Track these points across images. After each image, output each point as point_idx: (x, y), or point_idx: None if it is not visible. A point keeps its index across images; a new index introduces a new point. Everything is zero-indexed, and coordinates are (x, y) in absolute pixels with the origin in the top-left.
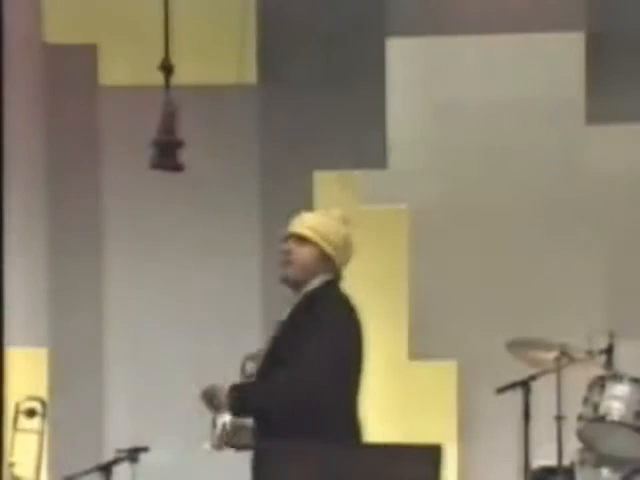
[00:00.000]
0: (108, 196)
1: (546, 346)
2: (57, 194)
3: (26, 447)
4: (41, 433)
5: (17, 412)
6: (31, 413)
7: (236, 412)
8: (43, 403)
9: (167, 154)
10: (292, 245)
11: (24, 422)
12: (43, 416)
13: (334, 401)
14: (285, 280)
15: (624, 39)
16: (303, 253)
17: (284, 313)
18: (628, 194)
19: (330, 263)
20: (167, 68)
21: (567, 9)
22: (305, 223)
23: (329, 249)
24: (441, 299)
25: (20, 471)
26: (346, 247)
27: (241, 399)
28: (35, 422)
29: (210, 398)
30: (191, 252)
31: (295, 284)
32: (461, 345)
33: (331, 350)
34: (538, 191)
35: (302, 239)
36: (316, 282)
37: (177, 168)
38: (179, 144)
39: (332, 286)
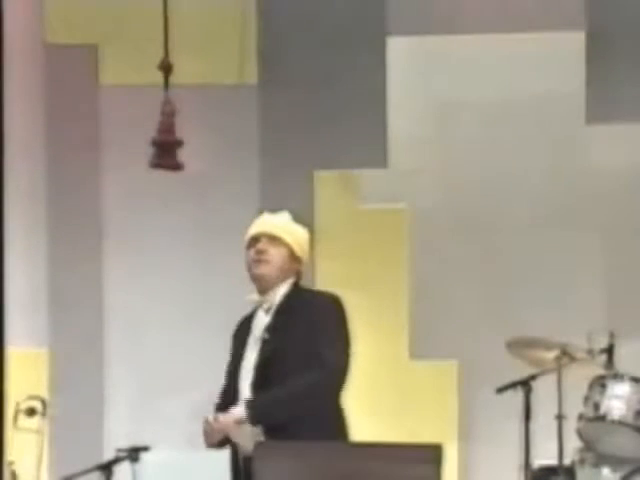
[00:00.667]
0: (108, 195)
1: (546, 345)
2: (57, 194)
3: (26, 446)
4: (41, 432)
5: (17, 411)
6: (31, 412)
7: (259, 423)
8: (43, 402)
9: (167, 153)
10: (266, 245)
11: (24, 421)
12: (43, 415)
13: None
14: (261, 279)
15: (624, 39)
16: (277, 253)
17: (260, 320)
18: (628, 194)
19: (295, 265)
20: (166, 68)
21: (567, 9)
22: (275, 224)
23: (299, 251)
24: (441, 298)
25: (19, 470)
26: (308, 249)
27: (265, 413)
28: (35, 421)
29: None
30: (191, 251)
31: (268, 284)
32: (461, 344)
33: (341, 350)
34: (538, 190)
35: (274, 239)
36: (285, 286)
37: (177, 167)
38: (179, 143)
39: (303, 288)
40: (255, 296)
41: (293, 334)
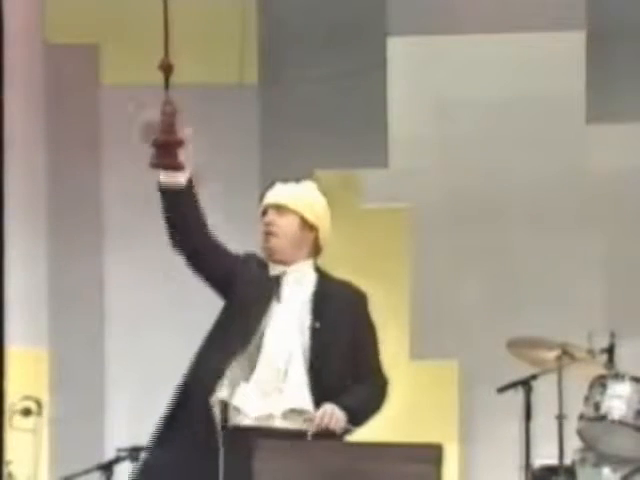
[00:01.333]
0: (108, 196)
1: (547, 345)
2: (57, 194)
3: (22, 446)
4: (37, 432)
5: (12, 412)
6: (27, 412)
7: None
8: (38, 403)
9: (167, 153)
10: (273, 216)
11: (19, 421)
12: (39, 415)
13: None
14: (269, 252)
15: (624, 39)
16: (286, 224)
17: (291, 294)
18: (628, 193)
19: (311, 234)
20: (166, 68)
21: (567, 9)
22: (283, 192)
23: (311, 217)
24: (442, 298)
25: (16, 470)
26: (326, 217)
27: (361, 418)
28: (31, 421)
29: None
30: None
31: (280, 257)
32: (462, 344)
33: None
34: (539, 190)
35: (282, 209)
36: (308, 262)
37: (177, 167)
38: (179, 143)
39: (325, 271)
40: (280, 267)
41: (341, 328)
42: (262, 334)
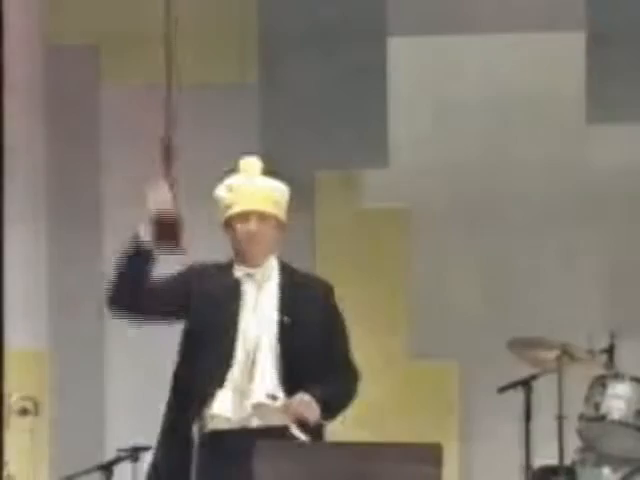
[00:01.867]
0: (109, 196)
1: (547, 345)
2: (58, 194)
3: (20, 446)
4: (34, 432)
5: (8, 412)
6: (24, 412)
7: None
8: (35, 403)
9: (170, 235)
10: (259, 225)
11: (17, 421)
12: (35, 415)
13: None
14: (251, 258)
15: (624, 39)
16: (268, 229)
17: (255, 293)
18: (628, 194)
19: (281, 232)
20: (166, 148)
21: (567, 9)
22: (263, 198)
23: (284, 217)
24: (442, 298)
25: (14, 470)
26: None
27: (334, 409)
28: (27, 421)
29: None
30: (191, 251)
31: (259, 261)
32: (462, 344)
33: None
34: (538, 190)
35: (265, 215)
36: (273, 259)
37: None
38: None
39: (290, 265)
40: (248, 270)
41: (310, 322)
42: (234, 337)
